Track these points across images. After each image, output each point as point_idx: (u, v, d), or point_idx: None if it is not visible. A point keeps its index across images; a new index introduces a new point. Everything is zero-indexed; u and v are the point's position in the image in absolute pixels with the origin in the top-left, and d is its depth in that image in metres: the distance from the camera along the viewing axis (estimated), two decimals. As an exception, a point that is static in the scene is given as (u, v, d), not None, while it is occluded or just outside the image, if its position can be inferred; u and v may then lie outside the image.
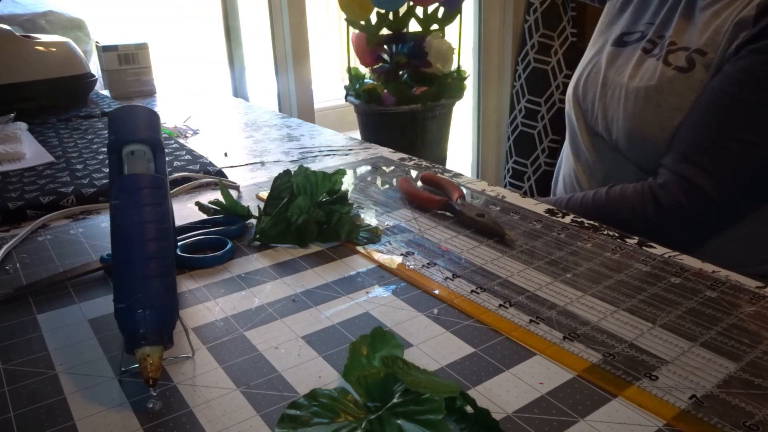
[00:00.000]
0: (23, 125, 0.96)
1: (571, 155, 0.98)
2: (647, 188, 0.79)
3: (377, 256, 0.54)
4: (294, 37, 2.00)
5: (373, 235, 0.57)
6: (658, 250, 0.53)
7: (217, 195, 0.65)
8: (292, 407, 0.33)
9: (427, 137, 1.65)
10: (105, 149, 0.83)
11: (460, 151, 3.48)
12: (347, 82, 1.70)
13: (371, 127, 1.65)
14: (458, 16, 1.71)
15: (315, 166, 0.73)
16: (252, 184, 0.75)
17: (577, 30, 1.96)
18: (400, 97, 1.56)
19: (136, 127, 0.46)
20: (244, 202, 0.66)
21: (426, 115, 1.61)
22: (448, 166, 0.95)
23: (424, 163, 0.82)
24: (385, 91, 1.56)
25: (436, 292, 0.47)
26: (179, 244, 0.54)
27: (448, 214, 0.63)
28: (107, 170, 0.76)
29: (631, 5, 0.94)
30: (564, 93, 2.19)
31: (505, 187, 0.84)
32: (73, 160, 0.82)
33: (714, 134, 0.76)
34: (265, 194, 0.61)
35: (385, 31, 1.64)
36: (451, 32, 1.72)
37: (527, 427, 0.33)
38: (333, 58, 4.02)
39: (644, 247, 0.54)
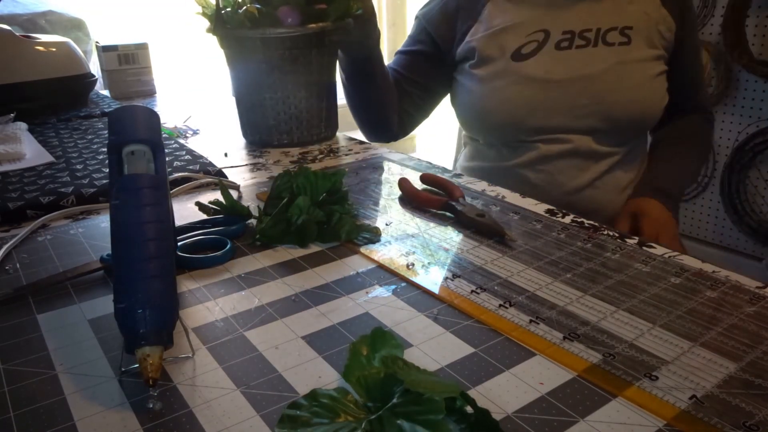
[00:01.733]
0: (23, 125, 0.96)
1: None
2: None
3: (377, 256, 0.54)
4: (294, 37, 1.99)
5: (373, 235, 0.57)
6: (658, 250, 0.53)
7: (217, 195, 0.65)
8: (292, 407, 0.33)
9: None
10: (105, 149, 0.83)
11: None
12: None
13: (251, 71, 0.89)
14: None
15: (315, 166, 0.73)
16: (252, 184, 0.75)
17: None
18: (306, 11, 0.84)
19: (136, 127, 0.46)
20: (244, 202, 0.66)
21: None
22: (449, 166, 0.95)
23: (424, 162, 0.82)
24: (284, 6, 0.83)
25: (437, 292, 0.47)
26: (179, 244, 0.54)
27: (448, 214, 0.63)
28: (107, 170, 0.76)
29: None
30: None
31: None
32: (73, 160, 0.82)
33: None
34: (265, 194, 0.61)
35: None
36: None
37: (527, 427, 0.33)
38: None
39: (644, 247, 0.54)
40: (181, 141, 0.96)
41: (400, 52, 1.06)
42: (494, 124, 0.94)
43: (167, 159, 0.71)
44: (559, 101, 0.90)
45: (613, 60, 0.89)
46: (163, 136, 0.74)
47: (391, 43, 3.63)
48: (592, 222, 0.60)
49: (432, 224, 0.60)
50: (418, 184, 0.71)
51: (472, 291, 0.47)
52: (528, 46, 0.91)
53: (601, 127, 0.90)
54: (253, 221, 0.60)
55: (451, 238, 0.57)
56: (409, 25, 3.64)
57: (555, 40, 0.91)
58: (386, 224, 0.61)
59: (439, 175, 0.72)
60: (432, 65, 1.02)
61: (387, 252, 0.54)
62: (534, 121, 0.91)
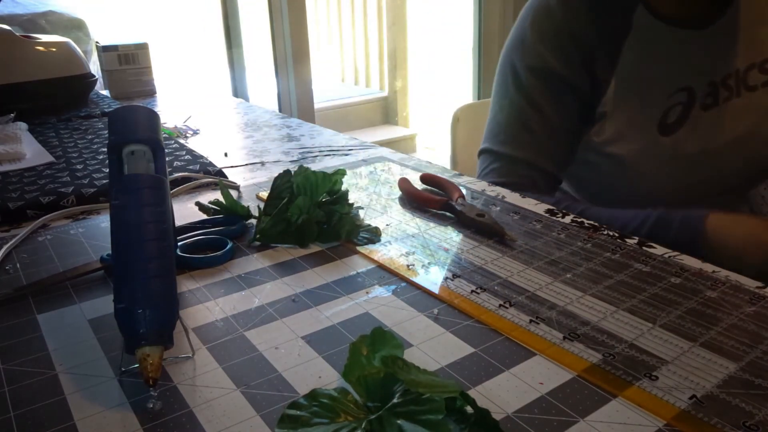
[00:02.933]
0: (23, 125, 0.96)
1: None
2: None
3: (377, 256, 0.54)
4: (294, 37, 2.00)
5: (373, 235, 0.57)
6: (658, 250, 0.53)
7: (217, 195, 0.65)
8: (292, 407, 0.33)
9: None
10: (105, 149, 0.83)
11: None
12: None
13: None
14: None
15: (315, 166, 0.73)
16: (252, 184, 0.75)
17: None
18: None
19: (136, 127, 0.46)
20: (244, 202, 0.66)
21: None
22: (449, 165, 0.94)
23: (424, 162, 0.82)
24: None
25: (437, 292, 0.47)
26: (179, 244, 0.54)
27: (448, 214, 0.63)
28: (107, 170, 0.76)
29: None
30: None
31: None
32: (73, 160, 0.82)
33: None
34: (265, 194, 0.61)
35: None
36: None
37: (527, 427, 0.33)
38: (333, 58, 4.02)
39: (644, 247, 0.54)
40: (181, 141, 0.96)
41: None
42: (633, 204, 0.74)
43: (167, 159, 0.71)
44: (719, 173, 0.76)
45: (763, 106, 0.75)
46: (163, 136, 0.74)
47: (390, 43, 3.64)
48: (591, 222, 0.60)
49: (432, 224, 0.60)
50: (418, 184, 0.71)
51: (472, 291, 0.47)
52: (672, 113, 0.75)
53: None
54: (252, 221, 0.60)
55: (451, 238, 0.57)
56: (409, 25, 3.64)
57: (700, 98, 0.75)
58: (386, 224, 0.61)
59: (439, 175, 0.72)
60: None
61: (387, 252, 0.54)
62: (662, 197, 0.76)
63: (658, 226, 0.68)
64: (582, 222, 0.60)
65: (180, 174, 0.74)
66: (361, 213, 0.64)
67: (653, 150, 0.76)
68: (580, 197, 0.88)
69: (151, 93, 1.33)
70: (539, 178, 0.82)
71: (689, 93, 0.75)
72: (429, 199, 0.64)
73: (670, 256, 0.52)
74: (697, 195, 0.77)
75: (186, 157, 0.82)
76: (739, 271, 0.52)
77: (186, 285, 0.50)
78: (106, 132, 0.97)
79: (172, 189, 0.70)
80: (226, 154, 0.88)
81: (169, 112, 1.18)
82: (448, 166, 0.96)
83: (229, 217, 0.61)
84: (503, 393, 0.36)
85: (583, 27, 0.77)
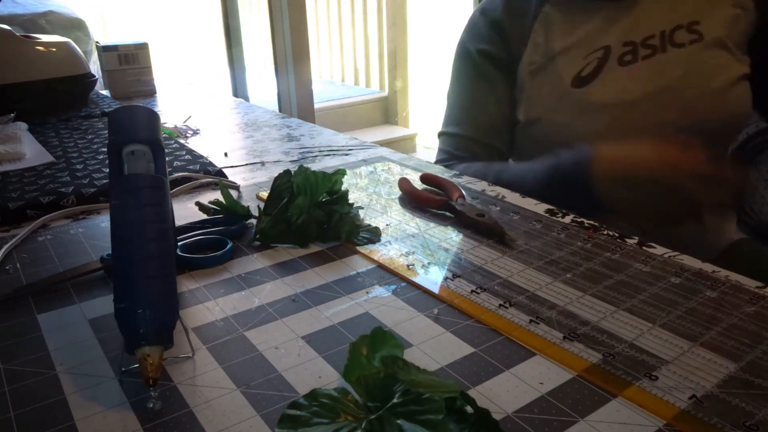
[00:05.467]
0: (23, 125, 0.96)
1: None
2: None
3: (377, 256, 0.54)
4: (294, 37, 2.00)
5: (373, 235, 0.57)
6: (658, 250, 0.53)
7: (217, 195, 0.65)
8: (292, 407, 0.33)
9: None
10: (105, 149, 0.83)
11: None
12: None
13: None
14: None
15: (315, 166, 0.73)
16: (252, 184, 0.75)
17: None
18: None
19: (136, 127, 0.46)
20: (244, 202, 0.66)
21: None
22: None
23: (424, 162, 0.82)
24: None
25: (437, 292, 0.47)
26: (179, 244, 0.54)
27: (448, 214, 0.63)
28: (107, 170, 0.76)
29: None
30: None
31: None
32: (73, 160, 0.82)
33: None
34: (265, 194, 0.61)
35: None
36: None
37: (527, 427, 0.33)
38: (333, 57, 4.02)
39: (644, 247, 0.54)
40: (181, 141, 0.96)
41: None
42: None
43: (167, 159, 0.71)
44: (640, 124, 0.77)
45: (690, 61, 0.77)
46: (163, 136, 0.74)
47: (390, 43, 3.63)
48: (592, 222, 0.60)
49: (432, 224, 0.60)
50: (418, 184, 0.71)
51: (472, 291, 0.47)
52: (587, 68, 0.79)
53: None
54: (253, 221, 0.60)
55: (451, 238, 0.57)
56: (409, 26, 3.64)
57: (617, 55, 0.79)
58: (386, 224, 0.61)
59: (439, 175, 0.72)
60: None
61: (387, 252, 0.54)
62: None
63: (553, 167, 0.73)
64: (582, 222, 0.60)
65: (180, 174, 0.74)
66: (361, 213, 0.64)
67: (564, 102, 0.80)
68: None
69: (151, 93, 1.33)
70: (482, 154, 0.89)
71: (605, 50, 0.80)
72: (429, 199, 0.64)
73: (670, 256, 0.52)
74: None
75: (186, 157, 0.82)
76: (632, 218, 0.61)
77: (186, 285, 0.50)
78: (106, 132, 0.97)
79: (172, 189, 0.70)
80: (226, 154, 0.88)
81: (169, 112, 1.18)
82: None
83: (229, 217, 0.61)
84: (503, 393, 0.36)
85: (498, 10, 0.88)
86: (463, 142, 0.91)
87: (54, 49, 1.15)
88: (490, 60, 0.88)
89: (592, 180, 0.68)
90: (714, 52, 0.78)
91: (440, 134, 0.96)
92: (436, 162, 0.93)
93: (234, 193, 0.71)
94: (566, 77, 0.80)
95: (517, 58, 0.86)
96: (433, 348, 0.40)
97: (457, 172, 0.79)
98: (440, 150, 0.95)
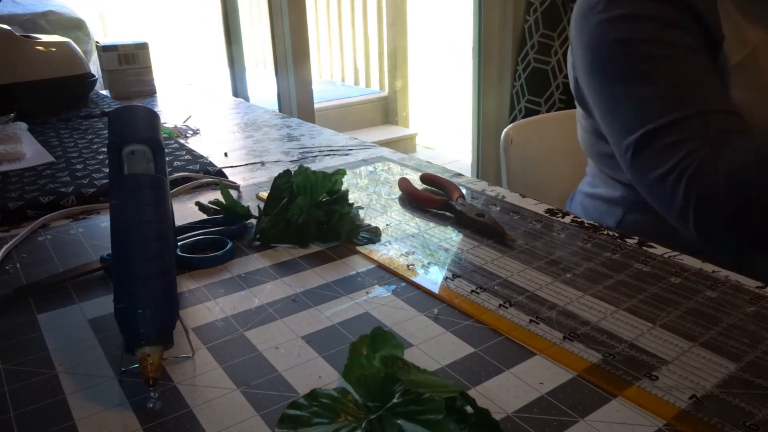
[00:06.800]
0: (23, 125, 0.96)
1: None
2: None
3: (377, 256, 0.54)
4: (294, 37, 2.00)
5: (373, 235, 0.57)
6: (658, 250, 0.53)
7: (217, 195, 0.65)
8: (292, 407, 0.33)
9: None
10: (105, 149, 0.83)
11: (460, 150, 3.48)
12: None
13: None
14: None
15: (315, 166, 0.73)
16: (252, 184, 0.75)
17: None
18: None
19: (136, 127, 0.46)
20: (244, 202, 0.66)
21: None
22: (449, 166, 0.94)
23: (424, 162, 0.82)
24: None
25: (437, 292, 0.47)
26: (179, 244, 0.54)
27: (448, 214, 0.63)
28: (107, 170, 0.76)
29: None
30: (564, 93, 2.19)
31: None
32: (73, 160, 0.82)
33: None
34: (265, 194, 0.61)
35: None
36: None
37: (527, 427, 0.33)
38: (333, 57, 4.03)
39: (644, 247, 0.54)
40: (181, 141, 0.96)
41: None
42: None
43: (167, 159, 0.71)
44: None
45: None
46: (163, 136, 0.74)
47: (390, 43, 3.64)
48: (591, 222, 0.60)
49: (432, 224, 0.60)
50: (418, 184, 0.71)
51: (472, 291, 0.47)
52: None
53: None
54: (253, 221, 0.60)
55: (451, 238, 0.57)
56: (409, 25, 3.63)
57: None
58: (386, 224, 0.61)
59: (439, 175, 0.72)
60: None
61: (387, 252, 0.54)
62: None
63: None
64: (582, 222, 0.60)
65: (180, 174, 0.74)
66: (361, 213, 0.64)
67: None
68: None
69: (151, 93, 1.33)
70: (735, 124, 0.65)
71: None
72: (429, 199, 0.64)
73: (670, 256, 0.52)
74: None
75: (186, 157, 0.82)
76: None
77: (186, 285, 0.50)
78: (106, 132, 0.97)
79: (172, 189, 0.70)
80: (226, 154, 0.88)
81: (169, 112, 1.18)
82: (450, 166, 0.93)
83: (229, 217, 0.61)
84: (503, 393, 0.36)
85: None
86: (717, 119, 0.65)
87: (54, 49, 1.15)
88: (682, 28, 0.68)
89: None
90: None
91: (662, 128, 0.66)
92: (673, 170, 0.65)
93: (234, 193, 0.71)
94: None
95: (717, 41, 0.68)
96: (433, 348, 0.40)
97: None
98: (677, 142, 0.65)
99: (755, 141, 0.61)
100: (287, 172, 0.60)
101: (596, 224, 0.59)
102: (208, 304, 0.47)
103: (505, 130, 1.14)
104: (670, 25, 0.68)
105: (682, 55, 0.68)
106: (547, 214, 0.62)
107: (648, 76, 0.68)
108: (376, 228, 0.58)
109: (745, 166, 0.60)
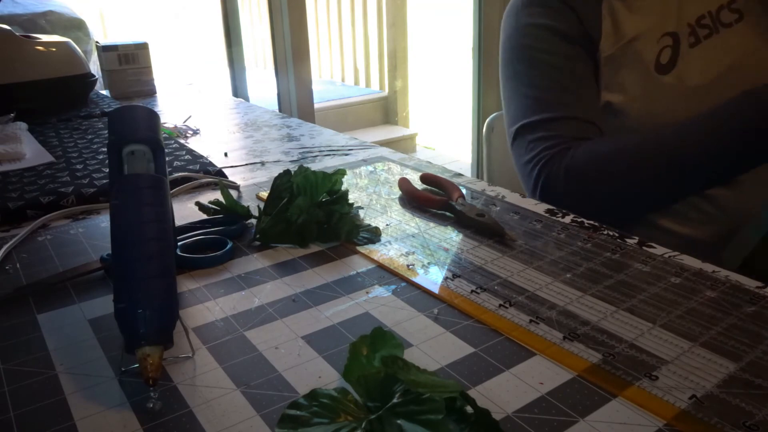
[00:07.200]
0: (23, 125, 0.96)
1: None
2: None
3: (377, 256, 0.54)
4: (294, 37, 2.00)
5: (373, 235, 0.57)
6: (658, 250, 0.53)
7: (217, 195, 0.65)
8: (292, 407, 0.33)
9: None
10: (105, 149, 0.83)
11: (460, 150, 3.48)
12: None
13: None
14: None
15: (315, 166, 0.73)
16: (252, 184, 0.75)
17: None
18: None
19: (136, 127, 0.46)
20: (244, 202, 0.66)
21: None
22: (449, 166, 0.94)
23: (424, 162, 0.82)
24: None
25: (437, 292, 0.47)
26: (179, 244, 0.54)
27: (448, 214, 0.63)
28: (107, 170, 0.76)
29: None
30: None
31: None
32: (73, 160, 0.82)
33: None
34: (265, 194, 0.61)
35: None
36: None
37: (527, 427, 0.33)
38: (333, 57, 4.02)
39: (644, 247, 0.54)
40: (181, 141, 0.96)
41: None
42: None
43: (167, 159, 0.71)
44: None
45: (741, 43, 0.78)
46: (163, 136, 0.74)
47: (390, 43, 3.64)
48: (592, 222, 0.60)
49: (432, 224, 0.60)
50: (418, 184, 0.71)
51: (472, 291, 0.47)
52: (664, 54, 0.78)
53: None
54: (252, 221, 0.60)
55: (451, 238, 0.57)
56: (409, 26, 3.64)
57: (684, 37, 0.79)
58: (386, 224, 0.61)
59: (439, 175, 0.72)
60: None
61: (387, 252, 0.54)
62: None
63: (745, 98, 0.69)
64: (582, 222, 0.60)
65: (180, 174, 0.74)
66: (361, 213, 0.64)
67: (657, 90, 0.78)
68: None
69: (151, 93, 1.33)
70: (588, 131, 0.80)
71: (673, 36, 0.79)
72: (429, 199, 0.64)
73: (670, 256, 0.52)
74: None
75: (186, 157, 0.82)
76: None
77: (186, 285, 0.50)
78: (106, 132, 0.97)
79: (172, 189, 0.70)
80: (226, 154, 0.88)
81: (169, 112, 1.18)
82: (450, 165, 0.95)
83: (229, 217, 0.61)
84: (503, 393, 0.36)
85: None
86: (573, 124, 0.80)
87: (54, 49, 1.15)
88: (568, 38, 0.82)
89: None
90: (754, 29, 0.79)
91: (532, 123, 0.82)
92: (532, 159, 0.81)
93: (234, 193, 0.71)
94: (650, 64, 0.78)
95: (595, 40, 0.81)
96: (433, 348, 0.40)
97: (579, 156, 0.74)
98: (540, 138, 0.81)
99: (595, 146, 0.76)
100: (287, 172, 0.60)
101: (596, 224, 0.59)
102: (208, 304, 0.47)
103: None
104: (569, 39, 0.81)
105: (569, 67, 0.81)
106: (547, 214, 0.62)
107: (534, 80, 0.83)
108: (376, 228, 0.58)
109: (581, 166, 0.75)
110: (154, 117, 0.48)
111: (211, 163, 0.80)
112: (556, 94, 0.81)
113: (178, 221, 0.57)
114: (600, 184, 0.75)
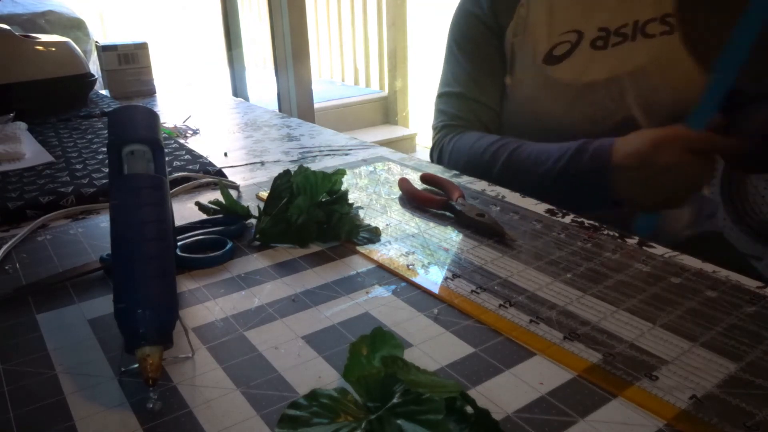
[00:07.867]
0: (23, 125, 0.96)
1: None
2: None
3: (377, 256, 0.54)
4: (294, 37, 2.00)
5: (373, 235, 0.57)
6: (658, 250, 0.53)
7: (217, 195, 0.65)
8: (292, 407, 0.33)
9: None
10: (105, 149, 0.83)
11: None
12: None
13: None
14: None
15: (315, 166, 0.73)
16: (252, 184, 0.75)
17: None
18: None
19: (135, 127, 0.46)
20: (244, 202, 0.66)
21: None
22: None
23: (424, 162, 0.82)
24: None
25: (437, 292, 0.47)
26: (179, 244, 0.54)
27: (448, 214, 0.63)
28: (107, 170, 0.76)
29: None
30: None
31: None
32: (73, 160, 0.82)
33: None
34: (265, 194, 0.61)
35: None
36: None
37: (527, 427, 0.33)
38: (333, 57, 4.02)
39: (644, 247, 0.54)
40: (181, 141, 0.96)
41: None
42: (528, 137, 0.83)
43: (167, 159, 0.71)
44: (599, 106, 0.81)
45: (653, 54, 0.79)
46: (163, 136, 0.74)
47: (390, 43, 3.63)
48: (592, 222, 0.60)
49: (432, 224, 0.60)
50: (418, 184, 0.71)
51: (472, 291, 0.47)
52: (560, 48, 0.84)
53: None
54: (252, 221, 0.60)
55: (451, 238, 0.57)
56: (409, 26, 3.63)
57: (590, 39, 0.82)
58: (386, 224, 0.61)
59: (439, 175, 0.72)
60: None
61: (387, 252, 0.54)
62: (568, 129, 0.81)
63: (577, 153, 0.74)
64: (582, 222, 0.60)
65: (180, 174, 0.74)
66: (361, 213, 0.64)
67: (533, 76, 0.86)
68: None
69: (150, 93, 1.33)
70: (484, 115, 0.93)
71: (579, 34, 0.84)
72: (429, 199, 0.64)
73: (670, 256, 0.52)
74: (608, 130, 0.80)
75: (186, 157, 0.82)
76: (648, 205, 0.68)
77: (186, 285, 0.50)
78: (105, 132, 0.97)
79: (172, 189, 0.70)
80: (226, 154, 0.88)
81: (169, 112, 1.18)
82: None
83: (229, 217, 0.61)
84: (503, 393, 0.36)
85: None
86: (465, 103, 0.93)
87: (53, 49, 1.15)
88: (483, 25, 0.92)
89: (610, 170, 0.70)
90: (683, 42, 0.80)
91: (440, 95, 0.97)
92: (436, 126, 0.96)
93: (234, 193, 0.71)
94: (538, 53, 0.85)
95: (504, 27, 0.90)
96: (433, 348, 0.40)
97: (458, 141, 0.84)
98: (440, 111, 0.96)
99: (463, 142, 0.88)
100: (287, 172, 0.60)
101: (596, 224, 0.59)
102: (208, 304, 0.47)
103: None
104: (487, 26, 0.92)
105: (479, 51, 0.93)
106: (547, 214, 0.62)
107: (458, 61, 0.95)
108: (376, 228, 0.58)
109: (452, 155, 0.89)
110: (153, 117, 0.48)
111: (210, 163, 0.80)
112: (464, 73, 0.94)
113: (178, 221, 0.57)
114: (469, 174, 0.80)
